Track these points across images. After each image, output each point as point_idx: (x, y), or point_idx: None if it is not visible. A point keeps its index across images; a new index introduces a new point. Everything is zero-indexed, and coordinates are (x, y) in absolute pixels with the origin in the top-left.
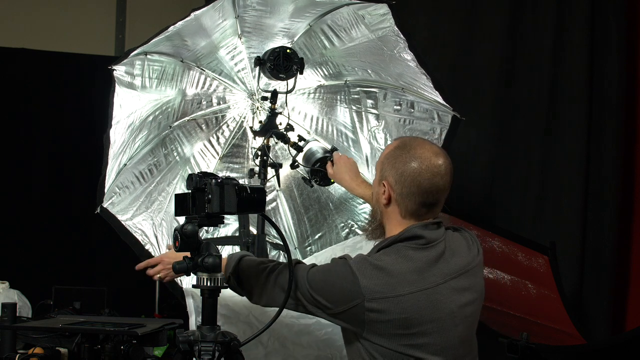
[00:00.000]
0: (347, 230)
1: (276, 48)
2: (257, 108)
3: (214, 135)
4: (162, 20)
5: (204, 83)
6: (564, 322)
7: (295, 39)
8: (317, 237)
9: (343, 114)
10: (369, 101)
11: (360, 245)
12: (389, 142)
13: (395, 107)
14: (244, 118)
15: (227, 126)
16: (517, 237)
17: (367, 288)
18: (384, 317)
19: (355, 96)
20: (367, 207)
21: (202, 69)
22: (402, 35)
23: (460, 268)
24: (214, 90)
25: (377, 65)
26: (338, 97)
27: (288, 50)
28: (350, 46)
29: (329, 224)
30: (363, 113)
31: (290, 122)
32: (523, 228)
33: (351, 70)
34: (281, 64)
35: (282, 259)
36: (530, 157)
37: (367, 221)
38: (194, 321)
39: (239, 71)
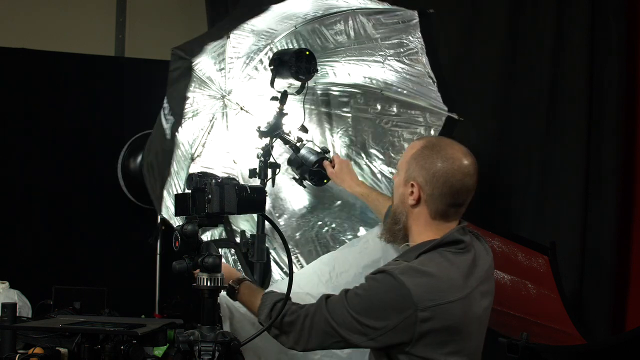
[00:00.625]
0: (326, 228)
1: (297, 49)
2: (226, 108)
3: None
4: (162, 20)
5: None
6: (564, 322)
7: (277, 39)
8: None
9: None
10: (341, 101)
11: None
12: (353, 144)
13: (371, 109)
14: (215, 118)
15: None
16: (517, 237)
17: (418, 297)
18: (435, 325)
19: (324, 98)
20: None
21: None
22: (421, 40)
23: (484, 272)
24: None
25: (361, 67)
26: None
27: (307, 52)
28: (338, 49)
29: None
30: (333, 115)
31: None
32: (523, 228)
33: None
34: (303, 65)
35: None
36: (530, 157)
37: (387, 224)
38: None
39: (217, 70)
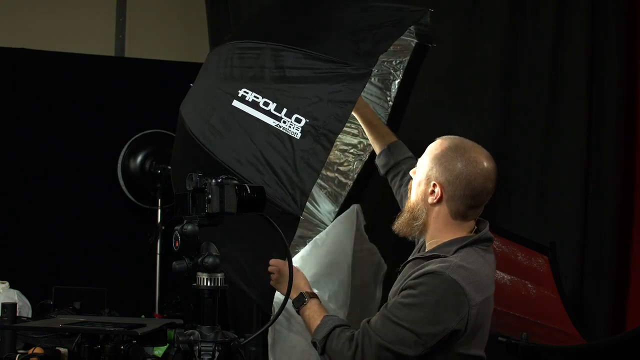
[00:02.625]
0: None
1: None
2: None
3: None
4: (162, 20)
5: None
6: (564, 322)
7: None
8: None
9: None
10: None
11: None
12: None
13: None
14: None
15: None
16: (517, 237)
17: (470, 295)
18: (477, 321)
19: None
20: None
21: None
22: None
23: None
24: None
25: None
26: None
27: None
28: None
29: None
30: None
31: None
32: (523, 228)
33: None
34: None
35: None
36: (530, 157)
37: (405, 218)
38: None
39: None
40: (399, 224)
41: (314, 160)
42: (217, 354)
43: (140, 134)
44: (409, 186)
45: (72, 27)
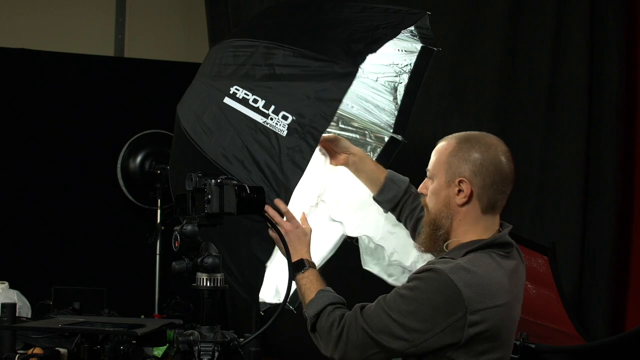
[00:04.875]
0: None
1: None
2: None
3: None
4: (162, 20)
5: None
6: (564, 322)
7: None
8: None
9: None
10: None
11: None
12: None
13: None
14: None
15: None
16: (517, 237)
17: (469, 299)
18: (482, 329)
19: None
20: None
21: None
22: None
23: (522, 280)
24: None
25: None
26: None
27: None
28: None
29: None
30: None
31: None
32: (523, 228)
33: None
34: None
35: None
36: (530, 157)
37: (426, 232)
38: None
39: None
40: (423, 240)
41: (299, 158)
42: (216, 354)
43: (139, 134)
44: (422, 203)
45: (71, 27)
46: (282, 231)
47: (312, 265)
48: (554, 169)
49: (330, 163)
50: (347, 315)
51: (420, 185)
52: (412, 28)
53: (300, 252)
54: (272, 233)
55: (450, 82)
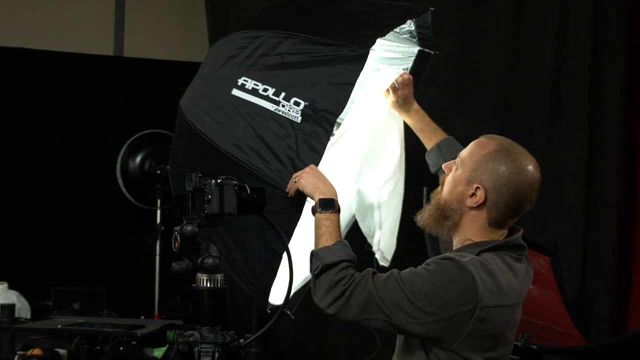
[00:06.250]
0: None
1: None
2: None
3: None
4: (161, 20)
5: None
6: (565, 323)
7: None
8: None
9: None
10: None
11: None
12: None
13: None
14: None
15: None
16: None
17: (482, 294)
18: (486, 327)
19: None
20: None
21: None
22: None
23: (528, 284)
24: None
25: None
26: None
27: None
28: None
29: None
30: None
31: None
32: (525, 228)
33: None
34: None
35: None
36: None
37: (434, 215)
38: None
39: None
40: (426, 219)
41: (316, 143)
42: (216, 355)
43: (139, 134)
44: (440, 180)
45: (71, 26)
46: (305, 173)
47: (339, 210)
48: (556, 169)
49: (400, 107)
50: (357, 275)
51: (448, 163)
52: (412, 28)
53: (330, 190)
54: (293, 185)
55: (451, 82)
